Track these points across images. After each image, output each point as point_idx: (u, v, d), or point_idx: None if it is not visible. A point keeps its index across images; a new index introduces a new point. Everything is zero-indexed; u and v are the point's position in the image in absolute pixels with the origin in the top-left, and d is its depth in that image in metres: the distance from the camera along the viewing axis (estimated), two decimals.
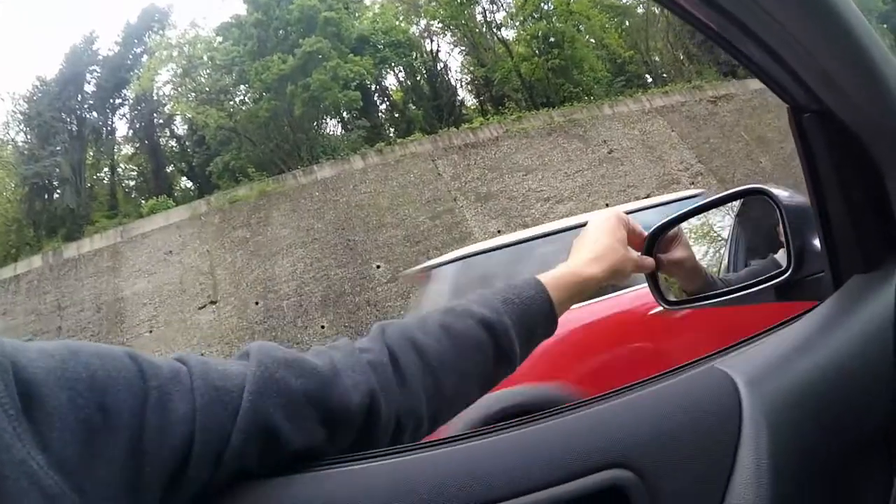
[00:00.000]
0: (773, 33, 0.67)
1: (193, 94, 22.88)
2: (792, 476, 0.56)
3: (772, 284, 0.86)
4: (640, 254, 0.93)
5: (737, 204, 1.01)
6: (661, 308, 1.01)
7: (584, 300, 0.82)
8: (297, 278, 15.25)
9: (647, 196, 16.15)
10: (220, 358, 0.59)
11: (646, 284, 1.02)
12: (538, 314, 0.72)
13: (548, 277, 0.76)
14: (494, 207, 15.84)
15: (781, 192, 0.86)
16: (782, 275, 0.84)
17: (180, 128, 25.60)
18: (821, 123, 0.76)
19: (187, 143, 25.13)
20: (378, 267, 15.14)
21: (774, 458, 0.55)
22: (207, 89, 22.44)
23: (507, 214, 15.67)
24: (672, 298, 1.00)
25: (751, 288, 0.90)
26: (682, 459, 0.53)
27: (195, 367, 0.53)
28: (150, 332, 14.77)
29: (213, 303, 15.18)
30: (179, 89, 23.79)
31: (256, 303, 14.99)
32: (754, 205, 0.96)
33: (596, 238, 0.84)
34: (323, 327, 14.35)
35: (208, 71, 22.80)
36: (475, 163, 16.68)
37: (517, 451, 0.54)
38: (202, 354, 0.60)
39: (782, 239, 0.85)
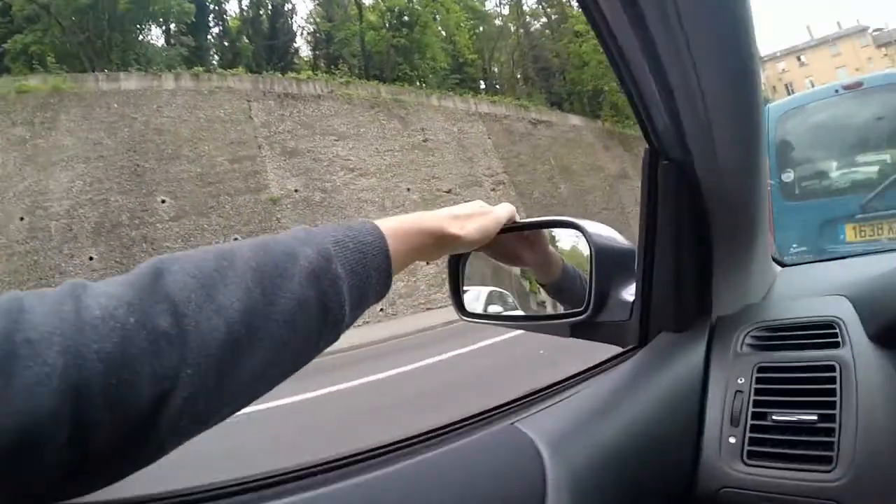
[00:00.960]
0: (683, 76, 0.62)
1: None
2: None
3: (567, 322, 0.81)
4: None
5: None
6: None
7: (427, 257, 0.66)
8: (73, 198, 13.61)
9: (449, 191, 17.00)
10: None
11: None
12: (374, 267, 0.54)
13: (388, 223, 0.58)
14: (298, 165, 15.47)
15: (597, 232, 0.80)
16: (579, 315, 0.78)
17: None
18: (676, 174, 0.72)
19: None
20: (163, 202, 14.00)
21: None
22: None
23: (308, 175, 15.40)
24: (469, 311, 0.93)
25: (548, 320, 0.86)
26: None
27: None
28: None
29: None
30: None
31: (21, 218, 13.10)
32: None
33: (465, 204, 0.72)
34: (91, 259, 12.97)
35: None
36: (290, 115, 16.17)
37: None
38: None
39: (587, 277, 0.79)
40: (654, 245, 0.77)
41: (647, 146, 0.75)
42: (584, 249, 0.80)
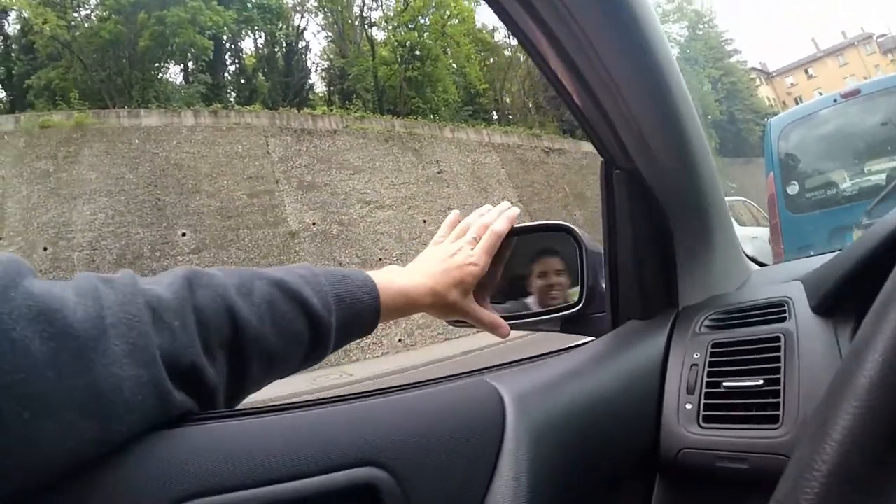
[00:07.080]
0: (608, 93, 0.70)
1: None
2: (551, 489, 0.57)
3: (561, 315, 0.88)
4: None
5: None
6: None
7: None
8: (96, 230, 13.82)
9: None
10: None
11: None
12: (361, 323, 0.64)
13: (386, 286, 0.67)
14: (315, 199, 15.67)
15: (584, 235, 0.89)
16: (573, 307, 0.87)
17: (11, 25, 22.40)
18: (628, 180, 0.84)
19: (14, 45, 21.99)
20: (184, 234, 14.21)
21: (533, 471, 0.56)
22: None
23: (325, 208, 15.58)
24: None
25: (541, 316, 0.90)
26: (441, 463, 0.52)
27: None
28: None
29: None
30: None
31: (45, 248, 13.34)
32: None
33: (451, 261, 0.78)
34: None
35: None
36: (307, 150, 16.45)
37: (260, 438, 0.47)
38: None
39: (579, 275, 0.89)
40: (616, 245, 0.87)
41: (601, 160, 0.86)
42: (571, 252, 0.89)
